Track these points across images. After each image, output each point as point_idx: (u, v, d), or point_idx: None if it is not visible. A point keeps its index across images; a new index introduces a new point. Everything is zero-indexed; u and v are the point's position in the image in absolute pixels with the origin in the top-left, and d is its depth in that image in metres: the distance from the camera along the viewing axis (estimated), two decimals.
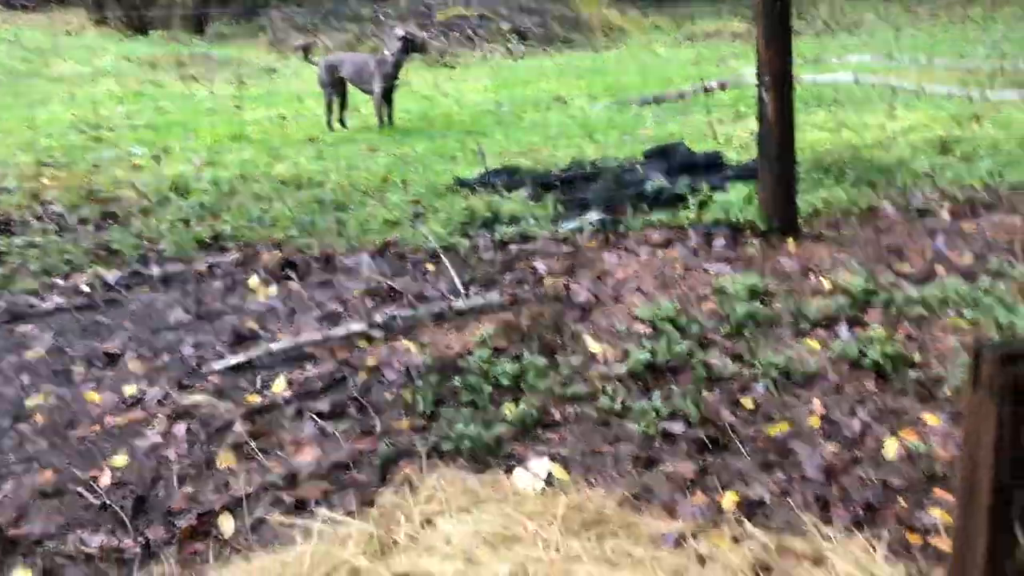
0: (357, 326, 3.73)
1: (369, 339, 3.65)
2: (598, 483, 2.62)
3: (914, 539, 2.33)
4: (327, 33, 17.88)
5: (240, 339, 3.73)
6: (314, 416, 3.06)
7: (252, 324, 3.87)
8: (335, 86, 8.93)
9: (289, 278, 4.44)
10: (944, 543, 2.31)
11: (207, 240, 5.07)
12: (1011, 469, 1.10)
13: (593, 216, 5.09)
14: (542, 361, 3.30)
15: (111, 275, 4.50)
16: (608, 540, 2.33)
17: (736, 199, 5.15)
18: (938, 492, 2.53)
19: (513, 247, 4.75)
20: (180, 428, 3.00)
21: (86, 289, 4.35)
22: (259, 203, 5.78)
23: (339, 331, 3.70)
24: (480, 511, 2.47)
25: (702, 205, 5.18)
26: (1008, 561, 1.09)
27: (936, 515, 2.41)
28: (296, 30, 18.39)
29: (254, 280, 4.41)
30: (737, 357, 3.34)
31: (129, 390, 3.31)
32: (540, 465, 2.73)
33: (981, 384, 1.09)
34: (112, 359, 3.61)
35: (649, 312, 3.66)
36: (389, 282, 4.27)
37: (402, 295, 4.14)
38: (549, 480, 2.64)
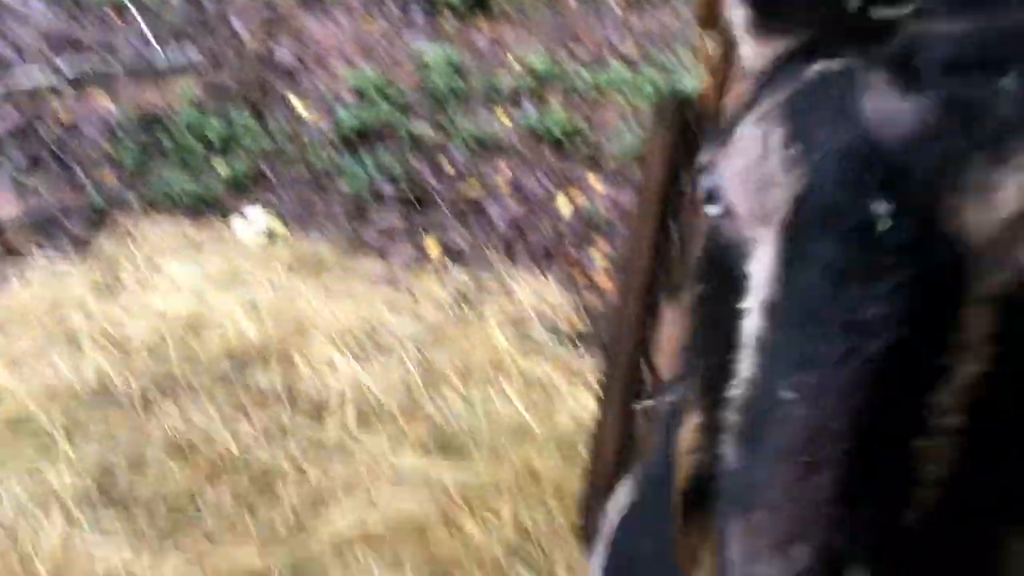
0: (43, 77, 3.47)
1: (57, 91, 3.43)
2: (316, 235, 2.86)
3: (580, 276, 2.87)
4: None
5: None
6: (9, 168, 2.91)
7: None
8: None
9: None
10: (602, 280, 2.88)
11: None
12: (672, 181, 1.51)
13: None
14: (252, 122, 3.35)
15: None
16: (329, 281, 2.61)
17: None
18: (599, 242, 3.09)
19: (207, 2, 4.53)
20: None
21: None
22: None
23: (22, 80, 3.43)
24: (204, 257, 2.61)
25: None
26: (667, 247, 1.53)
27: (597, 259, 2.96)
28: None
29: None
30: (437, 125, 3.63)
31: None
32: (256, 215, 2.89)
33: (661, 121, 1.47)
34: None
35: (355, 79, 3.80)
36: (70, 29, 3.94)
37: (87, 46, 3.86)
38: (270, 234, 2.82)
